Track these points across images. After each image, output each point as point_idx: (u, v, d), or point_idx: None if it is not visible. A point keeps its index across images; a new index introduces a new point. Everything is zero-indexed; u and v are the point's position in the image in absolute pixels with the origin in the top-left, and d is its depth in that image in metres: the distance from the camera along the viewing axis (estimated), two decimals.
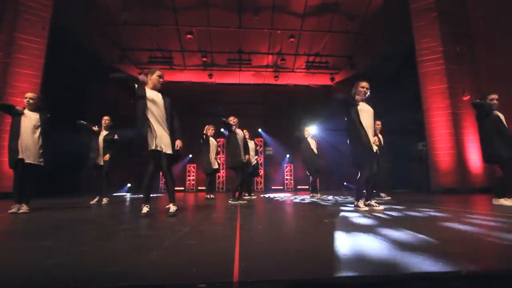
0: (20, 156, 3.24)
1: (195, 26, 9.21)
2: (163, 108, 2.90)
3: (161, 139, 2.83)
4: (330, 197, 5.91)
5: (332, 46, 10.37)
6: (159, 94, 2.95)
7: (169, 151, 2.84)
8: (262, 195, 7.05)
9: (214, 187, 7.91)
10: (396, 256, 1.21)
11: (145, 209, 2.88)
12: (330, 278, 0.97)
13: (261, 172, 12.26)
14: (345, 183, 12.17)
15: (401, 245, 1.40)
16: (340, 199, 5.48)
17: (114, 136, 4.97)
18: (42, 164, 3.39)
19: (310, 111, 12.35)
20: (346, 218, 2.53)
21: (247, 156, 4.95)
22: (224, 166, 12.03)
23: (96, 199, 4.79)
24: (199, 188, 12.19)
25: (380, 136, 5.12)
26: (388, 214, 2.75)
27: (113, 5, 8.36)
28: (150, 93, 2.89)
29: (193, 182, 12.41)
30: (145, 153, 2.83)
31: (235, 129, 4.87)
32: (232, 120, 4.96)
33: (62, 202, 4.95)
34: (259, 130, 12.89)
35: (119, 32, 9.33)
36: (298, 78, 12.72)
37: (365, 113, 3.30)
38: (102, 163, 4.80)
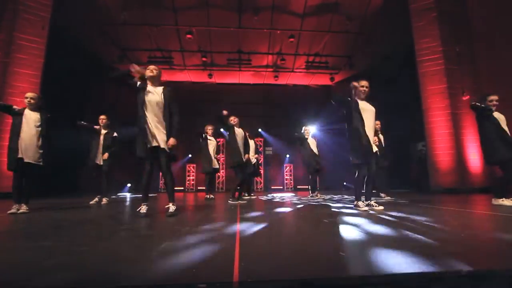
0: (19, 156, 3.24)
1: (195, 26, 9.21)
2: (161, 105, 2.87)
3: (158, 136, 2.81)
4: (330, 197, 5.91)
5: (332, 46, 10.37)
6: (159, 91, 2.91)
7: (165, 146, 2.82)
8: (261, 197, 7.03)
9: (214, 187, 7.92)
10: (396, 256, 1.21)
11: (144, 209, 2.87)
12: (330, 278, 0.97)
13: (262, 171, 12.28)
14: (345, 183, 12.18)
15: (401, 245, 1.40)
16: (340, 199, 5.48)
17: (113, 134, 4.98)
18: (41, 164, 3.38)
19: (310, 111, 12.36)
20: (345, 218, 2.53)
21: (246, 156, 4.96)
22: (224, 166, 12.06)
23: (96, 199, 4.79)
24: (198, 188, 12.19)
25: (380, 136, 5.13)
26: (387, 214, 2.75)
27: (113, 5, 8.35)
28: (150, 90, 2.89)
29: (192, 182, 12.41)
30: (142, 154, 2.82)
31: (233, 127, 4.88)
32: (233, 119, 4.97)
33: (62, 202, 4.95)
34: (259, 130, 12.90)
35: (118, 32, 9.32)
36: (297, 78, 12.72)
37: (367, 112, 3.30)
38: (101, 162, 4.80)
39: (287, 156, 13.00)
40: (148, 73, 2.94)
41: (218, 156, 6.42)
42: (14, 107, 3.36)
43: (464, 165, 7.13)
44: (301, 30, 9.48)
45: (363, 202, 3.25)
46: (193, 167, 12.37)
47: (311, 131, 6.23)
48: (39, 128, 3.38)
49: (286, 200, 5.43)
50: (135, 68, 2.92)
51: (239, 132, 4.95)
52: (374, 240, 1.57)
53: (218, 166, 6.18)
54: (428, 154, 7.64)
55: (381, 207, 3.19)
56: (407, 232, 1.75)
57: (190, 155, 12.39)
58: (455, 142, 7.24)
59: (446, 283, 0.96)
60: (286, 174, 12.88)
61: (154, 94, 2.88)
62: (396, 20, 8.45)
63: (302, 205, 4.08)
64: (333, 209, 3.35)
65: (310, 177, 6.24)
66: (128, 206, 4.42)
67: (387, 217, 2.54)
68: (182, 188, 12.28)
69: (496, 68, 6.88)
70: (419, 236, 1.62)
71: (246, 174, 5.04)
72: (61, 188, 8.32)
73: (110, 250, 1.39)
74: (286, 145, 12.79)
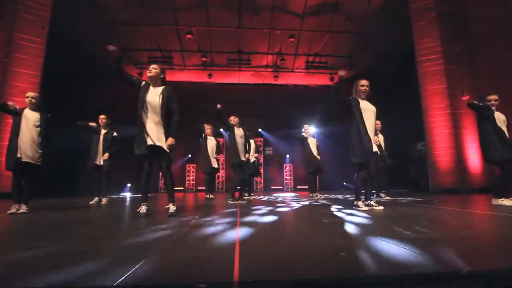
0: (18, 155, 3.23)
1: (194, 26, 9.21)
2: (161, 105, 2.86)
3: (157, 136, 2.81)
4: (330, 197, 5.91)
5: (332, 46, 10.37)
6: (159, 91, 2.91)
7: (164, 147, 2.82)
8: (261, 197, 7.03)
9: (214, 187, 7.92)
10: (396, 256, 1.21)
11: (144, 209, 2.87)
12: (330, 278, 0.97)
13: (262, 171, 12.28)
14: (344, 183, 12.18)
15: (400, 245, 1.40)
16: (340, 198, 5.48)
17: (113, 134, 4.97)
18: (39, 163, 3.37)
19: (310, 111, 12.36)
20: (345, 218, 2.53)
21: (247, 155, 4.97)
22: (224, 166, 12.05)
23: (96, 199, 4.78)
24: (198, 188, 12.19)
25: (381, 135, 5.12)
26: (387, 214, 2.75)
27: (113, 5, 8.35)
28: (150, 90, 2.89)
29: (192, 182, 12.40)
30: (139, 152, 2.82)
31: (233, 127, 4.90)
32: (233, 119, 4.98)
33: (62, 202, 4.94)
34: (259, 130, 12.89)
35: (118, 32, 9.31)
36: (297, 78, 12.72)
37: (368, 111, 3.30)
38: (101, 163, 4.80)
39: (287, 156, 13.00)
40: (147, 73, 2.95)
41: (218, 156, 6.40)
42: (9, 103, 3.33)
43: (464, 165, 7.14)
44: (301, 30, 9.48)
45: (363, 202, 3.25)
46: (193, 167, 12.37)
47: (311, 130, 6.17)
48: (39, 128, 3.38)
49: (287, 200, 5.43)
50: (111, 48, 3.00)
51: (239, 132, 4.95)
52: (374, 240, 1.57)
53: (217, 166, 6.18)
54: (428, 154, 7.65)
55: (381, 207, 3.19)
56: (407, 232, 1.75)
57: (189, 155, 12.39)
58: (455, 142, 7.24)
59: (446, 283, 0.96)
60: (286, 174, 12.88)
61: (154, 94, 2.88)
62: (396, 20, 8.46)
63: (302, 205, 4.08)
64: (333, 209, 3.35)
65: (309, 177, 6.23)
66: (128, 206, 4.42)
67: (387, 217, 2.54)
68: (182, 188, 12.27)
69: (495, 68, 6.89)
70: (419, 236, 1.62)
71: (246, 174, 5.05)
72: (61, 188, 8.32)
73: (110, 250, 1.39)
74: (286, 145, 12.79)
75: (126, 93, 9.73)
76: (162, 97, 2.87)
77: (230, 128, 4.90)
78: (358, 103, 3.31)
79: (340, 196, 6.27)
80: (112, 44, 2.99)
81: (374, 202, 3.33)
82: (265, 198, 6.06)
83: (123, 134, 5.18)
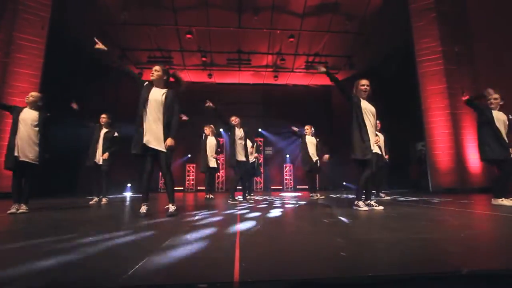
0: (15, 154, 3.23)
1: (194, 26, 9.21)
2: (163, 106, 2.87)
3: (156, 136, 2.81)
4: (330, 197, 5.91)
5: (332, 46, 10.38)
6: (163, 92, 2.92)
7: (163, 149, 2.82)
8: (261, 197, 7.02)
9: (214, 187, 7.91)
10: (396, 256, 1.21)
11: (144, 209, 2.87)
12: (330, 278, 0.97)
13: (262, 171, 12.28)
14: (344, 183, 12.19)
15: (401, 245, 1.40)
16: (340, 198, 5.48)
17: (114, 134, 4.97)
18: (36, 163, 3.35)
19: (310, 111, 12.36)
20: (346, 218, 2.53)
21: (251, 149, 5.01)
22: (224, 165, 12.05)
23: (96, 199, 4.78)
24: (198, 188, 12.19)
25: (381, 135, 5.12)
26: (387, 214, 2.75)
27: (113, 5, 8.35)
28: (153, 90, 2.90)
29: (192, 182, 12.41)
30: (136, 152, 2.83)
31: (234, 127, 4.97)
32: (234, 120, 5.02)
33: (62, 202, 4.94)
34: (259, 129, 12.90)
35: (118, 32, 9.32)
36: (297, 78, 12.73)
37: (368, 111, 3.31)
38: (101, 162, 4.79)
39: (287, 156, 13.01)
40: (150, 76, 2.97)
41: (218, 156, 6.41)
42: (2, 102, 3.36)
43: (463, 165, 7.14)
44: (301, 30, 9.48)
45: (363, 202, 3.25)
46: (193, 166, 12.37)
47: (312, 130, 6.08)
48: (37, 128, 3.37)
49: (287, 200, 5.43)
50: (99, 45, 3.07)
51: (239, 133, 5.00)
52: (374, 240, 1.57)
53: (215, 166, 6.19)
54: (427, 154, 7.65)
55: (381, 207, 3.19)
56: (407, 232, 1.75)
57: (189, 155, 12.39)
58: (454, 142, 7.24)
59: (446, 283, 0.97)
60: (286, 174, 12.89)
61: (157, 94, 2.88)
62: (395, 20, 8.46)
63: (302, 205, 4.08)
64: (333, 209, 3.36)
65: (308, 176, 6.18)
66: (128, 206, 4.42)
67: (387, 217, 2.54)
68: (182, 188, 12.27)
69: (495, 68, 6.89)
70: (419, 236, 1.62)
71: (243, 174, 5.11)
72: (61, 188, 8.31)
73: (110, 250, 1.39)
74: (286, 145, 12.80)
75: (126, 93, 9.74)
76: (167, 98, 2.89)
77: (230, 129, 4.95)
78: (360, 100, 3.32)
79: (340, 196, 6.27)
80: (98, 43, 3.05)
81: (374, 202, 3.33)
82: (266, 198, 6.06)
83: (123, 134, 5.18)
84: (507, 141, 3.60)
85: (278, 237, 1.76)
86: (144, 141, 2.79)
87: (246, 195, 5.34)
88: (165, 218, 2.62)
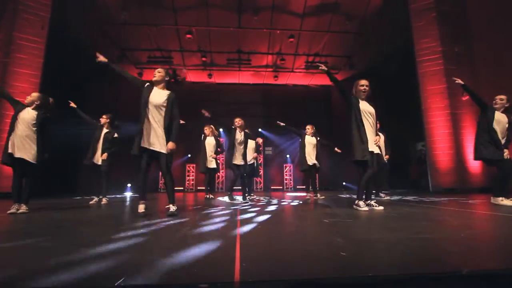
0: (9, 151, 3.23)
1: (194, 26, 9.20)
2: (164, 108, 2.86)
3: (156, 138, 2.81)
4: (330, 197, 5.91)
5: (332, 46, 10.37)
6: (164, 94, 2.92)
7: (163, 151, 2.82)
8: (262, 197, 7.01)
9: (214, 187, 7.91)
10: (396, 256, 1.21)
11: (142, 207, 2.87)
12: (330, 278, 0.97)
13: (260, 172, 12.27)
14: (344, 183, 12.19)
15: (400, 245, 1.40)
16: (339, 198, 5.48)
17: (114, 134, 4.97)
18: (34, 162, 3.31)
19: (310, 111, 12.36)
20: (346, 218, 2.54)
21: (253, 155, 5.08)
22: (224, 166, 12.05)
23: (96, 199, 4.78)
24: (198, 188, 12.18)
25: (381, 135, 5.10)
26: (388, 214, 2.75)
27: (113, 5, 8.35)
28: (154, 92, 2.90)
29: (192, 182, 12.40)
30: (134, 152, 2.83)
31: (236, 129, 5.13)
32: (237, 121, 5.10)
33: (62, 202, 4.94)
34: (259, 129, 12.89)
35: (118, 32, 9.31)
36: (297, 78, 12.73)
37: (367, 112, 3.31)
38: (100, 162, 4.79)
39: (288, 156, 13.01)
40: (152, 77, 2.98)
41: (218, 156, 6.42)
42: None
43: (463, 165, 7.14)
44: (301, 30, 9.47)
45: (364, 202, 3.25)
46: (193, 167, 12.36)
47: (313, 130, 6.01)
48: (35, 128, 3.37)
49: (288, 201, 5.43)
50: (100, 58, 3.08)
51: (239, 136, 5.09)
52: (374, 240, 1.57)
53: (215, 166, 6.20)
54: (427, 154, 7.65)
55: (381, 207, 3.19)
56: (407, 232, 1.75)
57: (189, 155, 12.38)
58: (454, 142, 7.25)
59: (446, 283, 0.97)
60: (286, 174, 12.88)
61: (158, 97, 2.88)
62: (395, 20, 8.46)
63: (302, 205, 4.08)
64: (333, 209, 3.36)
65: (307, 175, 6.14)
66: (128, 206, 4.42)
67: (387, 217, 2.54)
68: (182, 188, 12.27)
69: (495, 68, 6.89)
70: (419, 236, 1.62)
71: (241, 174, 5.27)
72: (61, 188, 8.32)
73: (110, 250, 1.39)
74: (286, 145, 12.80)
75: (127, 93, 9.73)
76: (168, 100, 2.89)
77: (231, 132, 5.12)
78: (358, 102, 3.33)
79: (340, 196, 6.27)
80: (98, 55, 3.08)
81: (374, 202, 3.33)
82: (267, 198, 6.05)
83: (123, 134, 5.18)
84: (502, 142, 3.62)
85: (278, 237, 1.77)
86: (145, 143, 2.79)
87: (246, 195, 5.35)
88: (165, 218, 2.62)
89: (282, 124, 5.67)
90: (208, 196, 5.98)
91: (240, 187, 5.44)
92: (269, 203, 4.52)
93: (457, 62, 7.43)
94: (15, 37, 6.65)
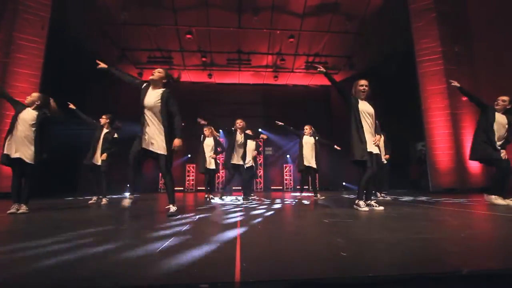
0: (6, 152, 3.22)
1: (194, 26, 9.21)
2: (159, 107, 2.82)
3: (155, 139, 2.80)
4: (330, 197, 5.91)
5: (332, 46, 10.38)
6: (158, 93, 2.87)
7: (163, 152, 2.79)
8: (262, 197, 7.01)
9: (214, 188, 7.90)
10: (396, 256, 1.21)
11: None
12: (330, 278, 0.97)
13: (260, 173, 12.29)
14: (344, 183, 12.19)
15: (401, 245, 1.40)
16: (339, 198, 5.48)
17: (114, 135, 4.97)
18: (31, 162, 3.29)
19: (310, 111, 12.36)
20: (346, 218, 2.54)
21: (254, 153, 5.06)
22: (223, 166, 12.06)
23: (94, 198, 4.79)
24: (198, 188, 12.18)
25: (382, 135, 5.09)
26: (388, 214, 2.75)
27: (113, 5, 8.35)
28: (149, 92, 2.88)
29: (192, 182, 12.40)
30: (135, 152, 2.83)
31: (236, 131, 5.20)
32: (239, 123, 5.14)
33: (62, 203, 4.94)
34: (259, 130, 12.89)
35: (118, 32, 9.31)
36: (297, 78, 12.73)
37: (366, 112, 3.32)
38: (99, 162, 4.79)
39: (288, 156, 13.01)
40: (150, 75, 2.95)
41: (218, 156, 6.43)
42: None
43: (463, 165, 7.14)
44: (301, 30, 9.48)
45: (364, 202, 3.25)
46: (193, 167, 12.35)
47: (311, 130, 5.99)
48: (34, 128, 3.36)
49: (288, 201, 5.43)
50: (101, 65, 3.06)
51: (239, 138, 5.15)
52: (374, 240, 1.57)
53: (214, 167, 6.20)
54: (427, 154, 7.65)
55: (381, 208, 3.19)
56: (407, 232, 1.75)
57: (189, 155, 12.38)
58: (454, 142, 7.25)
59: (446, 283, 0.97)
60: (286, 174, 12.88)
61: (152, 97, 2.84)
62: (395, 21, 8.46)
63: (302, 206, 4.08)
64: (333, 209, 3.36)
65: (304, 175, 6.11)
66: (128, 206, 4.41)
67: (387, 217, 2.54)
68: (182, 188, 12.27)
69: (495, 68, 6.89)
70: (419, 236, 1.62)
71: (236, 174, 5.39)
72: (61, 188, 8.31)
73: (110, 250, 1.39)
74: (286, 145, 12.80)
75: (127, 93, 9.72)
76: (162, 100, 2.84)
77: (232, 133, 5.19)
78: (357, 102, 3.33)
79: (340, 196, 6.27)
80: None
81: (375, 202, 3.33)
82: (268, 199, 6.05)
83: (123, 134, 5.18)
84: (499, 143, 3.64)
85: (279, 237, 1.77)
86: (143, 146, 2.79)
87: (253, 195, 5.41)
88: (165, 219, 2.62)
89: (280, 123, 5.66)
90: (207, 196, 5.98)
91: (241, 188, 5.47)
92: (268, 204, 4.52)
93: (457, 62, 7.43)
94: (15, 37, 6.65)
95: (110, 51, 10.10)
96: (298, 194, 5.98)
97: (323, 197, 5.73)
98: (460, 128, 7.29)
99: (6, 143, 3.25)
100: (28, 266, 1.12)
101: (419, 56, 7.75)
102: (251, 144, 6.37)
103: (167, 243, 1.52)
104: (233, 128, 5.26)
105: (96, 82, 10.58)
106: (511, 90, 4.07)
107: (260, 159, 12.15)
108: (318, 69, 3.52)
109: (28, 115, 3.37)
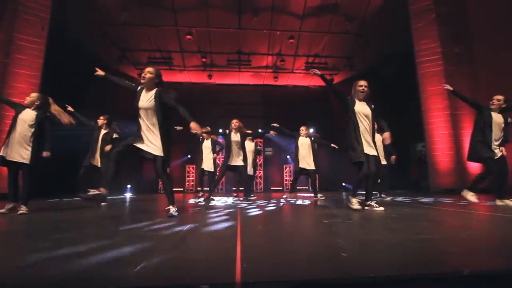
0: (1, 153, 3.22)
1: (194, 27, 9.21)
2: (153, 109, 2.80)
3: (151, 141, 2.80)
4: (330, 198, 5.90)
5: (331, 47, 10.38)
6: (151, 94, 2.84)
7: (159, 153, 2.80)
8: (262, 198, 7.02)
9: (214, 188, 7.89)
10: (397, 257, 1.21)
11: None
12: (330, 278, 0.97)
13: (260, 173, 12.29)
14: (344, 184, 12.18)
15: (401, 246, 1.40)
16: (339, 199, 5.48)
17: (113, 135, 4.97)
18: (28, 163, 3.27)
19: (309, 111, 12.37)
20: (346, 218, 2.53)
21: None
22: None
23: (94, 193, 4.78)
24: (198, 189, 12.17)
25: (378, 136, 5.09)
26: (388, 215, 2.75)
27: (113, 6, 8.35)
28: (142, 96, 2.87)
29: (192, 183, 12.39)
30: (123, 146, 2.83)
31: (231, 132, 5.21)
32: (234, 123, 5.14)
33: (61, 203, 4.94)
34: (260, 130, 12.88)
35: (118, 33, 9.32)
36: (297, 79, 12.74)
37: (363, 113, 3.33)
38: (99, 164, 4.78)
39: (288, 157, 13.00)
40: (141, 78, 2.93)
41: (218, 156, 6.46)
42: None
43: (463, 165, 7.14)
44: (301, 31, 9.49)
45: (357, 200, 3.27)
46: (193, 167, 12.34)
47: (307, 131, 5.94)
48: (33, 128, 3.36)
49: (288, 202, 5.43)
50: (98, 72, 3.24)
51: (235, 137, 5.15)
52: (374, 241, 1.57)
53: (212, 170, 6.23)
54: (427, 154, 7.65)
55: (382, 208, 3.19)
56: (408, 233, 1.75)
57: (189, 155, 12.38)
58: (454, 143, 7.25)
59: (446, 283, 0.97)
60: (286, 175, 12.88)
61: (145, 99, 2.84)
62: (395, 21, 8.47)
63: (302, 205, 4.08)
64: (332, 210, 3.36)
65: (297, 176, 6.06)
66: (128, 207, 4.41)
67: (387, 218, 2.54)
68: (182, 189, 12.26)
69: (495, 69, 6.89)
70: (420, 237, 1.62)
71: (243, 176, 5.40)
72: (61, 188, 8.29)
73: (110, 250, 1.39)
74: (286, 146, 12.79)
75: (126, 94, 9.72)
76: (155, 99, 2.81)
77: (228, 134, 5.21)
78: (354, 104, 3.34)
79: (339, 197, 6.27)
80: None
81: (375, 202, 3.33)
82: (268, 199, 6.05)
83: (123, 135, 5.18)
84: (496, 143, 3.65)
85: (279, 238, 1.77)
86: (139, 146, 2.79)
87: (252, 195, 5.41)
88: (165, 219, 2.62)
89: (276, 125, 5.65)
90: (207, 197, 5.97)
91: (242, 188, 5.47)
92: (269, 203, 4.52)
93: (457, 62, 7.43)
94: (15, 37, 6.65)
95: (110, 52, 10.09)
96: (286, 195, 5.96)
97: (323, 198, 5.72)
98: (460, 128, 7.29)
99: (3, 144, 3.25)
100: (28, 266, 1.12)
101: (419, 56, 7.75)
102: (250, 146, 6.38)
103: (167, 243, 1.52)
104: (226, 130, 5.29)
105: (96, 83, 10.57)
106: (511, 90, 4.08)
107: (260, 160, 12.14)
108: (313, 72, 3.54)
109: (28, 115, 3.37)
